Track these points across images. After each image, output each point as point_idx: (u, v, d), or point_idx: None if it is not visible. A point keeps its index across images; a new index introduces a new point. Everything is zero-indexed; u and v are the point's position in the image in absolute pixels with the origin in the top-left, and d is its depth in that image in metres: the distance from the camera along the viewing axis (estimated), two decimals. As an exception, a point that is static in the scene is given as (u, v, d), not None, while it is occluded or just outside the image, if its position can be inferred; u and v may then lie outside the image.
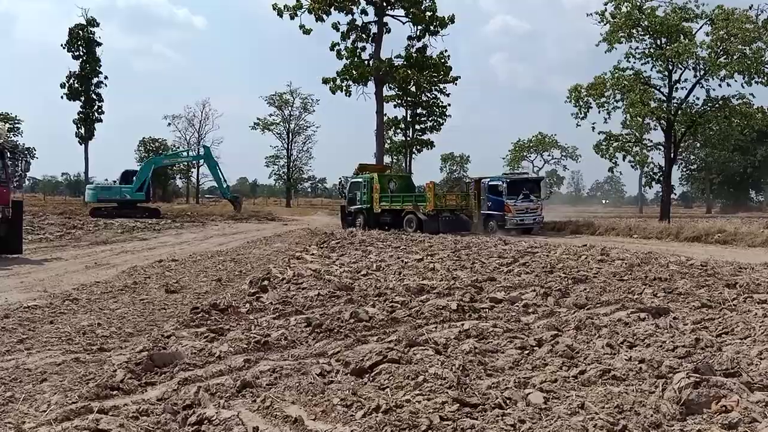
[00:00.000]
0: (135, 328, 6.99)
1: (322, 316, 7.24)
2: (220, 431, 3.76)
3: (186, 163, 65.33)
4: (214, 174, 41.76)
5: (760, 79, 31.49)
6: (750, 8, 31.75)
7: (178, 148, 69.05)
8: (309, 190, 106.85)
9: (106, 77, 55.51)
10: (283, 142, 74.91)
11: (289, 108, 73.49)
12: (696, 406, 4.21)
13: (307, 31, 40.60)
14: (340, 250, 16.91)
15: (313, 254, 15.50)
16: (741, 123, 34.17)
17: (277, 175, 78.64)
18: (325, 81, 41.58)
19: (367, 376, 5.04)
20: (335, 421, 4.04)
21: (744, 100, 33.47)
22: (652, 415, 4.05)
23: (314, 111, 74.38)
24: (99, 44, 54.50)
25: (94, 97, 54.96)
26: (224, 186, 42.07)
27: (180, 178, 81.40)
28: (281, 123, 74.08)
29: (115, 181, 40.62)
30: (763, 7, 31.22)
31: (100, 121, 55.48)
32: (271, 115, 73.56)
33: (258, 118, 73.63)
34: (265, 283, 9.75)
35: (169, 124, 74.57)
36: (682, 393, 4.29)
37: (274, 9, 40.13)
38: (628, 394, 4.40)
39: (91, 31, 54.15)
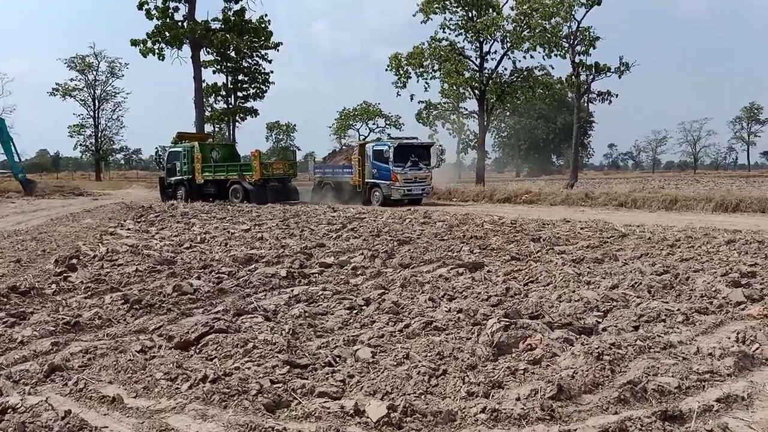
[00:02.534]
0: None
1: (141, 292, 6.79)
2: (27, 419, 3.40)
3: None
4: (7, 151, 36.26)
5: (559, 52, 34.65)
6: (549, -16, 34.61)
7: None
8: (122, 162, 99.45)
9: None
10: (89, 110, 68.36)
11: (94, 72, 67.05)
12: (506, 347, 4.62)
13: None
14: (160, 223, 15.98)
15: (129, 229, 14.48)
16: (543, 93, 37.43)
17: (84, 147, 71.64)
18: (134, 43, 38.09)
19: (193, 348, 4.85)
20: (159, 396, 3.85)
21: (545, 71, 36.71)
22: (468, 359, 4.37)
23: (123, 76, 68.40)
24: None
25: None
26: (17, 164, 36.74)
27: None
28: (85, 89, 67.46)
29: None
30: (560, -17, 34.14)
31: None
32: (72, 79, 66.66)
33: (57, 83, 66.12)
34: (74, 261, 8.86)
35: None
36: (494, 336, 4.69)
37: None
38: (448, 342, 4.70)
39: None
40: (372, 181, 26.74)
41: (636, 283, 6.99)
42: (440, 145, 29.56)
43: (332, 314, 5.93)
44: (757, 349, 4.62)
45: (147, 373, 4.21)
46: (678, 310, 5.74)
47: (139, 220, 17.07)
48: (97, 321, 5.69)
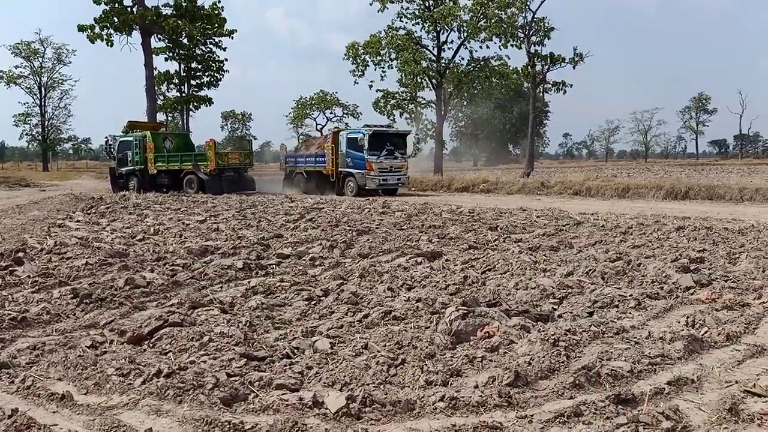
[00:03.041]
0: None
1: (91, 285, 6.58)
2: (-32, 421, 3.26)
3: None
4: None
5: (514, 43, 34.99)
6: (505, -25, 34.88)
7: None
8: (71, 152, 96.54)
9: None
10: (35, 98, 66.20)
11: (40, 59, 64.91)
12: (464, 335, 4.65)
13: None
14: (111, 215, 15.55)
15: (78, 221, 14.06)
16: (500, 82, 37.76)
17: (30, 136, 69.42)
18: (81, 28, 36.84)
19: (146, 343, 4.73)
20: (110, 392, 3.73)
21: (501, 61, 37.03)
22: (427, 347, 4.37)
23: (71, 63, 66.71)
24: None
25: None
26: None
27: None
28: (31, 76, 65.26)
29: None
30: (515, -26, 34.43)
31: None
32: (17, 66, 64.40)
33: (1, 71, 63.95)
34: (20, 254, 8.53)
35: None
36: (453, 325, 4.71)
37: None
38: (407, 331, 4.70)
39: None
40: (346, 170, 25.76)
41: (590, 270, 7.13)
42: (416, 134, 28.43)
43: (290, 305, 5.87)
44: (705, 332, 4.76)
45: (98, 368, 4.08)
46: (630, 295, 5.87)
47: (89, 211, 16.59)
48: (45, 316, 5.49)
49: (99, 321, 5.34)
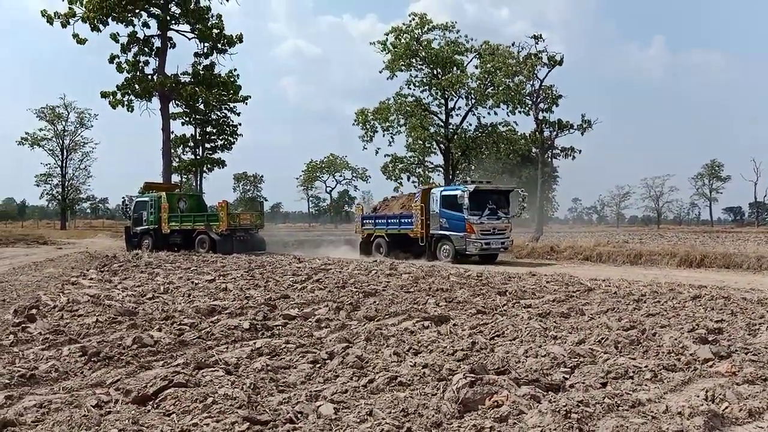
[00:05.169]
0: None
1: (100, 343, 6.56)
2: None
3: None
4: None
5: (522, 109, 35.58)
6: (512, 44, 35.84)
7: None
8: (89, 211, 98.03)
9: None
10: (57, 159, 67.88)
11: (63, 123, 66.88)
12: (472, 403, 4.51)
13: (81, 41, 37.02)
14: (123, 273, 15.62)
15: (91, 279, 14.10)
16: (507, 148, 38.13)
17: (50, 195, 70.85)
18: (104, 95, 38.04)
19: (150, 403, 4.65)
20: (109, 456, 3.63)
21: (509, 127, 37.56)
22: (434, 415, 4.25)
23: (92, 126, 68.51)
24: None
25: None
26: None
27: None
28: (54, 139, 67.11)
29: None
30: (523, 44, 35.40)
31: None
32: (41, 129, 66.34)
33: (26, 133, 65.88)
34: (33, 311, 8.61)
35: None
36: (460, 392, 4.57)
37: (43, 16, 36.15)
38: (413, 398, 4.58)
39: None
40: (439, 233, 22.72)
41: (603, 338, 6.96)
42: (521, 190, 24.23)
43: (295, 368, 5.76)
44: (726, 408, 4.59)
45: (101, 429, 4.03)
46: (646, 366, 5.71)
47: (102, 269, 16.68)
48: (53, 374, 5.51)
49: (105, 380, 5.30)
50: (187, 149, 50.64)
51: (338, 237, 38.15)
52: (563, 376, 5.45)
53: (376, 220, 25.79)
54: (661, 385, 5.27)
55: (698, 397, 4.87)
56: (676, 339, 6.86)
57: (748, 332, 7.62)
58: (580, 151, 36.88)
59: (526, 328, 7.58)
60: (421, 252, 23.28)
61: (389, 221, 25.01)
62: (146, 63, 38.86)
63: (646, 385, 5.24)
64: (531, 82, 35.36)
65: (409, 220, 23.82)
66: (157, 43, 39.05)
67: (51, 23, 36.33)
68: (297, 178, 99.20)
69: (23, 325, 7.67)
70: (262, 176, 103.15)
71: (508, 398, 4.53)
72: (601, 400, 4.57)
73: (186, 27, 39.71)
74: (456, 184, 23.27)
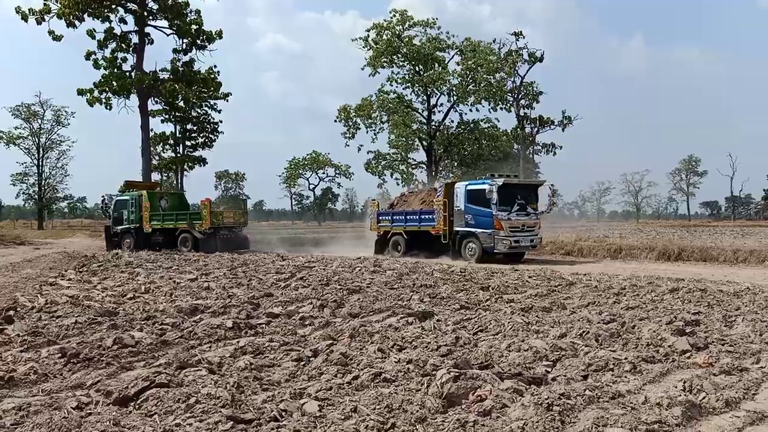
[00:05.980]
0: None
1: (79, 344, 6.50)
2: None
3: None
4: None
5: (503, 106, 35.85)
6: (493, 41, 36.16)
7: None
8: (66, 210, 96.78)
9: None
10: (33, 158, 66.79)
11: (39, 121, 65.81)
12: (456, 398, 4.55)
13: (57, 38, 36.44)
14: (103, 273, 15.45)
15: (70, 279, 13.94)
16: (489, 144, 38.39)
17: (27, 195, 69.79)
18: (81, 92, 37.44)
19: (132, 404, 4.61)
20: (91, 458, 3.61)
21: (491, 123, 37.79)
22: (418, 411, 4.28)
23: (69, 124, 67.30)
24: None
25: None
26: None
27: None
28: (30, 137, 66.02)
29: None
30: (504, 41, 35.69)
31: None
32: (17, 128, 65.21)
33: (1, 131, 64.65)
34: (11, 313, 8.49)
35: None
36: (444, 387, 4.61)
37: (17, 13, 35.57)
38: (398, 394, 4.60)
39: None
40: (465, 230, 21.19)
41: (584, 331, 7.05)
42: (551, 185, 22.44)
43: (279, 366, 5.76)
44: (703, 398, 4.68)
45: (82, 431, 3.97)
46: (625, 358, 5.79)
47: (81, 270, 16.47)
48: (32, 376, 5.43)
49: (86, 381, 5.23)
50: (167, 147, 50.21)
51: (332, 235, 37.83)
52: (545, 370, 5.51)
53: (394, 217, 24.43)
54: (640, 376, 5.35)
55: (676, 387, 4.96)
56: (654, 331, 6.97)
57: (724, 324, 7.76)
58: (561, 147, 37.26)
59: (508, 322, 7.65)
60: (443, 250, 21.99)
61: (408, 218, 23.72)
62: (124, 59, 38.46)
63: (625, 376, 5.33)
64: (512, 79, 35.70)
65: (431, 216, 22.49)
66: (135, 39, 38.63)
67: (26, 20, 35.80)
68: (280, 176, 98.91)
69: (0, 327, 7.56)
70: (244, 174, 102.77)
71: (491, 392, 4.57)
72: (582, 392, 4.64)
73: (164, 23, 39.28)
74: (484, 177, 21.81)
